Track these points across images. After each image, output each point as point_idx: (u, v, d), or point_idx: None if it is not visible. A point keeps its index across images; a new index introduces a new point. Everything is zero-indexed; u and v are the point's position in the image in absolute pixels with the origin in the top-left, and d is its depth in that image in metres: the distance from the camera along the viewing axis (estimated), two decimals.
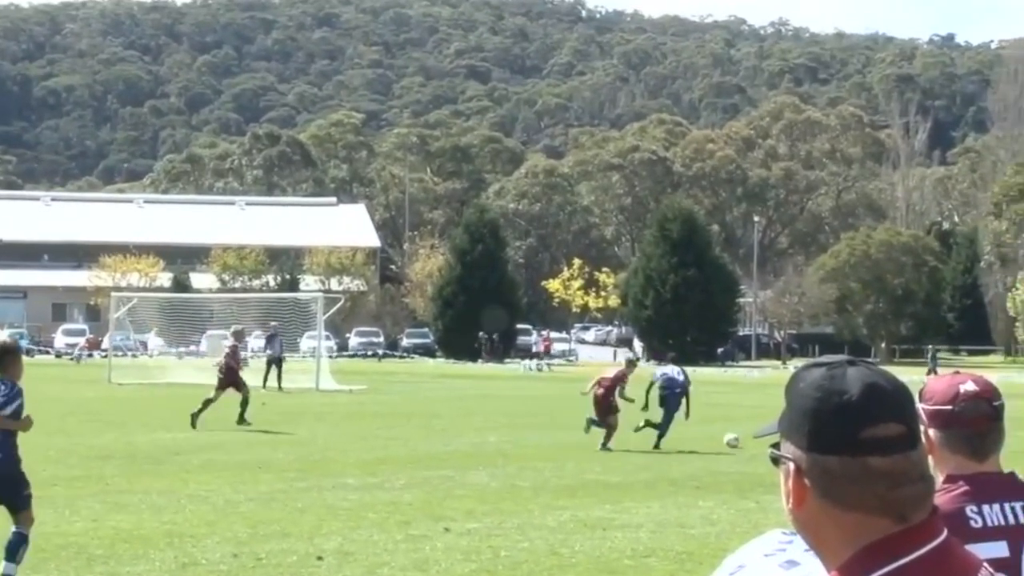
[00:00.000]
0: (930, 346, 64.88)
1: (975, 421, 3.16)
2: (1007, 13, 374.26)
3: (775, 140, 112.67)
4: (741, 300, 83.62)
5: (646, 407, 22.26)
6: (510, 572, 10.78)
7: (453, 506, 14.37)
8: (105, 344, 54.45)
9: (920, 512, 1.79)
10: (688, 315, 74.12)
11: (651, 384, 22.61)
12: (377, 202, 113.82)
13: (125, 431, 23.16)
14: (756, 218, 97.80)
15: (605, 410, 21.80)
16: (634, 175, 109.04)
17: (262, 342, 46.70)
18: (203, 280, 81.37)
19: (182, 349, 53.75)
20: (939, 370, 47.21)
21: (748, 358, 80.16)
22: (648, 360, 76.33)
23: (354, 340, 77.06)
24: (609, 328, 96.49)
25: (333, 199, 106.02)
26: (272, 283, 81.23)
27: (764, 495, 15.15)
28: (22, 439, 9.43)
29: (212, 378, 26.20)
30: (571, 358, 78.30)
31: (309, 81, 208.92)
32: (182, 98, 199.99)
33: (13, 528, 9.45)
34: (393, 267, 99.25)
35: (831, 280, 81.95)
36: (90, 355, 63.63)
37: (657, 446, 21.61)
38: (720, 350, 76.75)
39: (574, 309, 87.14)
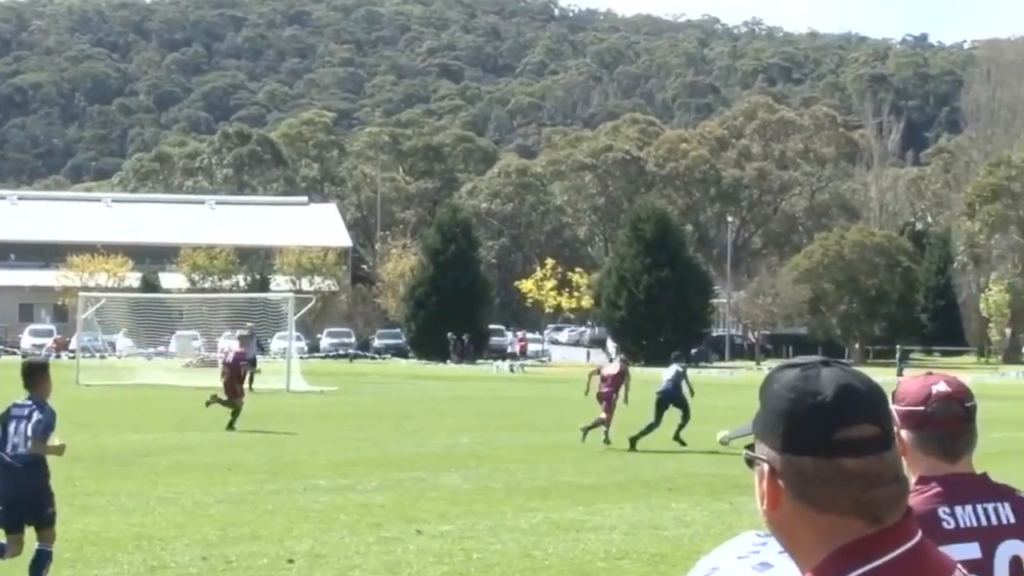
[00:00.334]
0: (899, 347, 64.78)
1: (947, 422, 3.15)
2: (980, 13, 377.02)
3: (749, 140, 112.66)
4: (715, 301, 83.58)
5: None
6: (483, 575, 10.77)
7: (425, 508, 14.33)
8: (73, 345, 53.83)
9: (894, 514, 1.79)
10: (661, 316, 74.02)
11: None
12: (348, 201, 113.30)
13: (93, 432, 22.90)
14: (730, 218, 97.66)
15: (611, 406, 22.26)
16: (607, 175, 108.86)
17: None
18: (172, 280, 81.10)
19: (151, 350, 53.53)
20: (907, 371, 46.93)
21: (722, 359, 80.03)
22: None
23: (325, 341, 76.72)
24: (582, 329, 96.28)
25: (304, 198, 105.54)
26: (242, 283, 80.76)
27: (738, 497, 15.14)
28: None
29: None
30: (544, 359, 77.98)
31: (280, 79, 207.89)
32: (151, 96, 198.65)
33: (37, 545, 9.54)
34: (365, 267, 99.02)
35: (805, 281, 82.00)
36: (58, 356, 62.78)
37: (633, 447, 21.70)
38: (694, 351, 76.35)
39: (547, 310, 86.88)
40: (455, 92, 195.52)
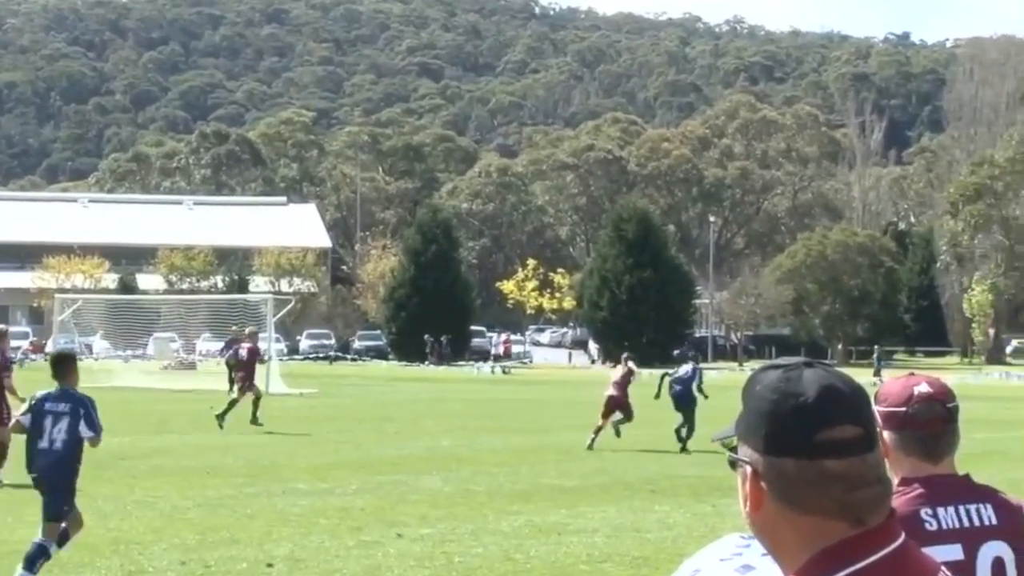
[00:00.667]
0: (876, 347, 64.67)
1: (929, 423, 3.14)
2: (962, 12, 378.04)
3: (731, 139, 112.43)
4: (697, 301, 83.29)
5: (658, 396, 23.39)
6: None
7: (406, 511, 14.30)
8: (49, 347, 53.26)
9: (877, 515, 1.80)
10: (644, 316, 73.88)
11: (662, 377, 23.94)
12: (328, 202, 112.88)
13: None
14: (712, 218, 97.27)
15: (627, 407, 22.72)
16: (589, 174, 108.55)
17: (214, 344, 47.04)
18: (150, 281, 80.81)
19: (128, 352, 53.12)
20: (885, 372, 46.70)
21: (704, 360, 79.17)
22: (604, 363, 75.94)
23: (305, 342, 76.38)
24: (564, 330, 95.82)
25: (283, 199, 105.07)
26: (220, 284, 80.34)
27: (720, 499, 15.07)
28: None
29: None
30: (526, 360, 77.48)
31: (258, 78, 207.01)
32: (128, 95, 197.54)
33: (36, 539, 9.86)
34: (344, 268, 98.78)
35: (787, 281, 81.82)
36: (33, 359, 62.18)
37: (684, 448, 21.89)
38: (676, 352, 75.92)
39: (528, 311, 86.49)
40: (435, 91, 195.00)
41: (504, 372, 61.68)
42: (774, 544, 1.83)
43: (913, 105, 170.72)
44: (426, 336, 72.09)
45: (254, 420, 25.08)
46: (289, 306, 53.26)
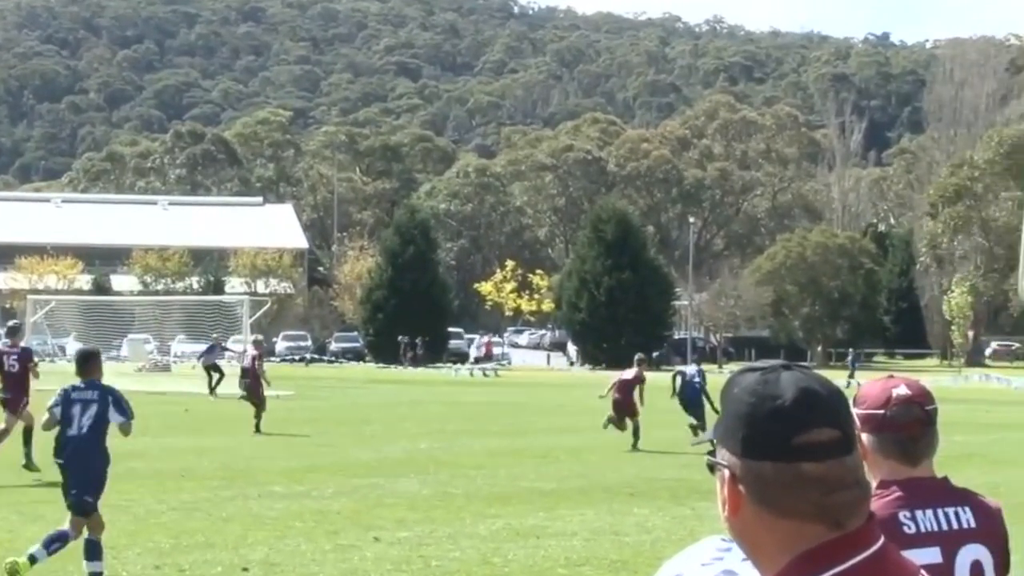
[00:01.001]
0: (851, 350, 64.48)
1: (907, 425, 3.15)
2: (942, 12, 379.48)
3: (710, 140, 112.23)
4: (676, 303, 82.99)
5: (674, 394, 24.01)
6: None
7: (383, 515, 14.27)
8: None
9: (856, 518, 1.80)
10: (623, 318, 73.61)
11: (674, 376, 24.50)
12: (305, 202, 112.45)
13: (42, 439, 22.04)
14: (691, 219, 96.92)
15: (630, 412, 22.71)
16: (568, 175, 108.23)
17: (189, 346, 47.86)
18: (124, 282, 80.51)
19: (102, 354, 52.45)
20: (860, 375, 46.44)
21: (684, 362, 79.10)
22: (583, 365, 75.56)
23: (281, 344, 75.95)
24: (543, 332, 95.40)
25: (259, 199, 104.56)
26: (196, 285, 79.86)
27: (699, 502, 15.08)
28: None
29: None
30: (504, 362, 77.00)
31: (234, 77, 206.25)
32: (102, 94, 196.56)
33: (61, 527, 10.31)
34: (321, 269, 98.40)
35: (767, 283, 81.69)
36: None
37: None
38: (655, 354, 75.62)
39: (507, 312, 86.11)
40: (413, 91, 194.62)
41: (485, 375, 61.19)
42: (752, 548, 1.82)
43: (893, 106, 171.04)
44: (400, 337, 71.63)
45: (257, 429, 25.39)
46: (265, 307, 53.01)
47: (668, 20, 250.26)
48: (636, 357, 24.12)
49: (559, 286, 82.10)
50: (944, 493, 3.16)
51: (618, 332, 72.91)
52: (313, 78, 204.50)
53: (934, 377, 51.91)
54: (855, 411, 3.10)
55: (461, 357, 75.34)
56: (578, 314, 76.45)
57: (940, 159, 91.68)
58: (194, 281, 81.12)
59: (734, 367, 33.38)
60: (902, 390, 3.20)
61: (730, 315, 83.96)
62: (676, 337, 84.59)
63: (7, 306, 78.49)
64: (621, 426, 22.82)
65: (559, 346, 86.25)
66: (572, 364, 77.94)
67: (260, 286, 79.37)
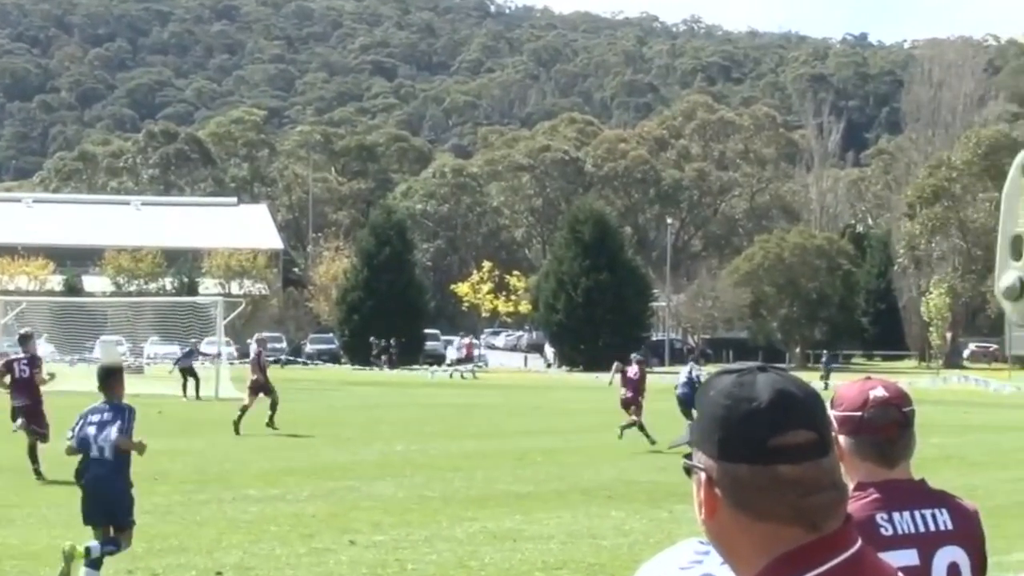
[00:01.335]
0: (825, 352, 64.16)
1: (885, 427, 3.15)
2: (920, 13, 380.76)
3: (688, 140, 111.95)
4: (654, 304, 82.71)
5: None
6: None
7: (359, 518, 14.26)
8: None
9: (832, 521, 1.80)
10: (600, 320, 73.48)
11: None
12: (279, 202, 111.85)
13: (13, 442, 21.96)
14: (669, 220, 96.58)
15: (638, 407, 23.49)
16: (545, 175, 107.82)
17: (162, 348, 48.58)
18: (96, 283, 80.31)
19: (74, 356, 52.29)
20: (835, 377, 46.17)
21: (662, 364, 78.78)
22: (560, 366, 75.18)
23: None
24: (520, 333, 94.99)
25: (233, 199, 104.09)
26: (169, 287, 79.60)
27: (677, 504, 15.07)
28: None
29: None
30: (480, 364, 76.54)
31: (208, 76, 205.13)
32: (73, 93, 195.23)
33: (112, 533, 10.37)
34: (296, 270, 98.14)
35: (745, 284, 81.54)
36: None
37: None
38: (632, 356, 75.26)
39: (483, 314, 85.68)
40: (389, 90, 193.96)
41: (463, 377, 60.75)
42: (729, 551, 1.82)
43: (871, 106, 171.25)
44: (372, 339, 71.04)
45: (236, 429, 25.88)
46: (239, 309, 52.80)
47: (646, 20, 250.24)
48: (634, 356, 24.88)
49: (536, 287, 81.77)
50: (921, 495, 3.16)
51: (595, 334, 72.80)
52: (288, 77, 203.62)
53: (912, 379, 52.05)
54: (832, 413, 3.10)
55: (437, 359, 74.97)
56: (555, 315, 76.16)
57: (918, 160, 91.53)
58: (167, 282, 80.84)
59: (712, 369, 33.46)
60: (879, 392, 3.19)
61: (708, 316, 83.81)
62: (654, 339, 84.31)
63: None
64: (632, 422, 23.42)
65: (536, 348, 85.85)
66: (549, 366, 77.56)
67: (234, 287, 79.25)
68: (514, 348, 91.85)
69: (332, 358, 74.31)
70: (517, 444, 23.88)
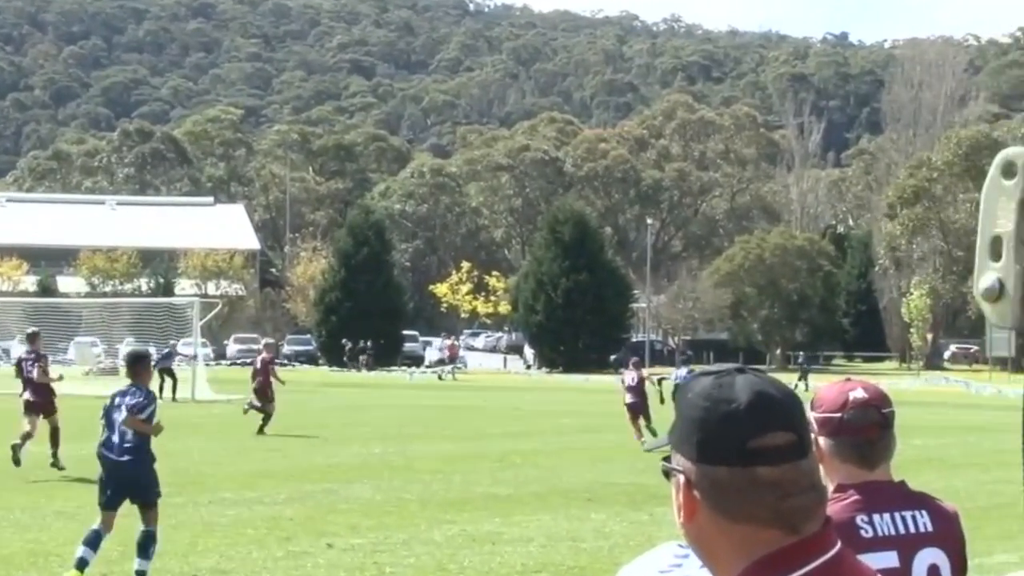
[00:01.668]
0: (802, 354, 63.78)
1: (864, 429, 3.15)
2: (900, 13, 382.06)
3: (668, 140, 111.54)
4: (634, 305, 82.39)
5: (663, 401, 24.11)
6: None
7: (336, 521, 14.25)
8: None
9: (812, 523, 1.79)
10: (580, 321, 73.31)
11: (660, 381, 25.01)
12: (256, 202, 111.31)
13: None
14: (649, 221, 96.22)
15: (646, 415, 23.55)
16: (524, 175, 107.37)
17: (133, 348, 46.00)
18: (71, 284, 79.97)
19: (49, 357, 51.53)
20: (813, 379, 45.89)
21: (643, 365, 78.40)
22: (540, 368, 74.69)
23: (232, 347, 75.35)
24: (499, 334, 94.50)
25: (210, 199, 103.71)
26: (145, 287, 79.13)
27: (657, 507, 15.01)
28: None
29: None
30: (459, 366, 76.05)
31: (184, 74, 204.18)
32: (47, 91, 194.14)
33: (141, 527, 10.57)
34: (273, 270, 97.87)
35: (725, 285, 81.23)
36: None
37: None
38: (613, 357, 75.04)
39: (463, 315, 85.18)
40: (367, 89, 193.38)
41: (440, 378, 60.33)
42: (708, 554, 1.80)
43: (851, 106, 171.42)
44: (344, 341, 70.28)
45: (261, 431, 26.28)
46: (216, 309, 52.59)
47: (626, 18, 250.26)
48: (632, 360, 25.32)
49: (516, 288, 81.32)
50: (901, 497, 3.14)
51: (575, 335, 72.65)
52: (265, 76, 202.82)
53: (892, 380, 52.02)
54: (811, 414, 3.09)
55: (416, 360, 74.49)
56: (535, 316, 75.78)
57: (899, 160, 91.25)
58: (143, 283, 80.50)
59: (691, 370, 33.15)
60: (859, 393, 3.17)
61: (688, 317, 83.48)
62: (634, 340, 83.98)
63: None
64: (638, 431, 23.38)
65: (516, 349, 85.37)
66: (529, 367, 77.08)
67: (211, 288, 78.83)
68: (494, 349, 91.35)
69: (309, 359, 73.77)
70: (496, 446, 23.81)
